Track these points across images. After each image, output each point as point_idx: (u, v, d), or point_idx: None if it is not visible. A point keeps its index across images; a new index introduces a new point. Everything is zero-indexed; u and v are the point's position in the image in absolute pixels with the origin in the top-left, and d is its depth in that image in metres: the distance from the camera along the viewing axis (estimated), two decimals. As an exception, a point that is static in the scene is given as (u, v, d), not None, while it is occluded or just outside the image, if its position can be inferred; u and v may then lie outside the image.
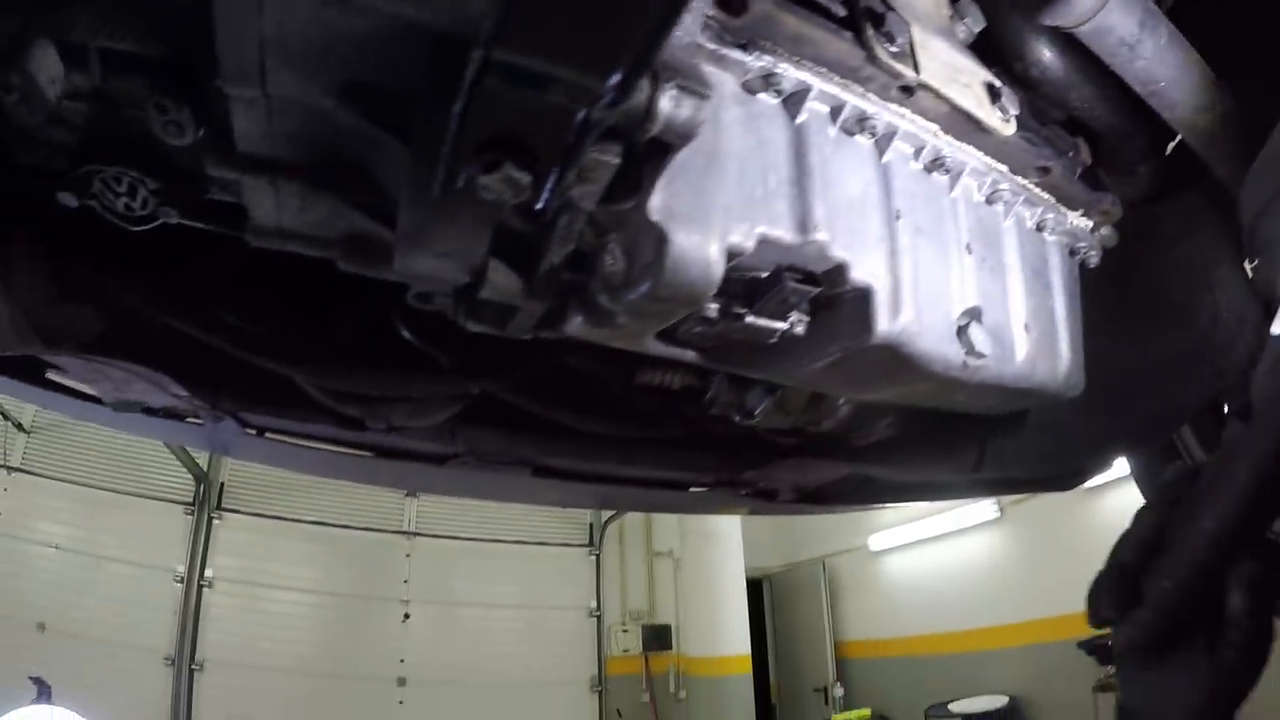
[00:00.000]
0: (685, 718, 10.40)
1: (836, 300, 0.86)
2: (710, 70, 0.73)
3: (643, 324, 0.77)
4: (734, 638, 10.03)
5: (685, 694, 10.54)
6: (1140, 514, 0.76)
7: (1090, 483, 2.07)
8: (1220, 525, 0.65)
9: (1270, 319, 1.15)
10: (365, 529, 9.85)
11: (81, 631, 7.64)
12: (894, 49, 0.83)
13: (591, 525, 11.41)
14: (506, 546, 10.62)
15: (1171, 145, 1.26)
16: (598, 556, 11.39)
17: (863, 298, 0.85)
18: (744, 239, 0.75)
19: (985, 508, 9.08)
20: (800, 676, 11.60)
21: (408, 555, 10.05)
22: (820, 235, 0.80)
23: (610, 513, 11.30)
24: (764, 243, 0.76)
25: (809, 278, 0.82)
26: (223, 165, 0.81)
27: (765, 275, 0.81)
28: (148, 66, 0.75)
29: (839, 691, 10.70)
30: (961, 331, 0.98)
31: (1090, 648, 7.23)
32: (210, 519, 9.05)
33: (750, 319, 0.81)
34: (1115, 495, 6.89)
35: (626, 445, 1.71)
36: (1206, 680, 0.67)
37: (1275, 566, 0.66)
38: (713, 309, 0.80)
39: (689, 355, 0.92)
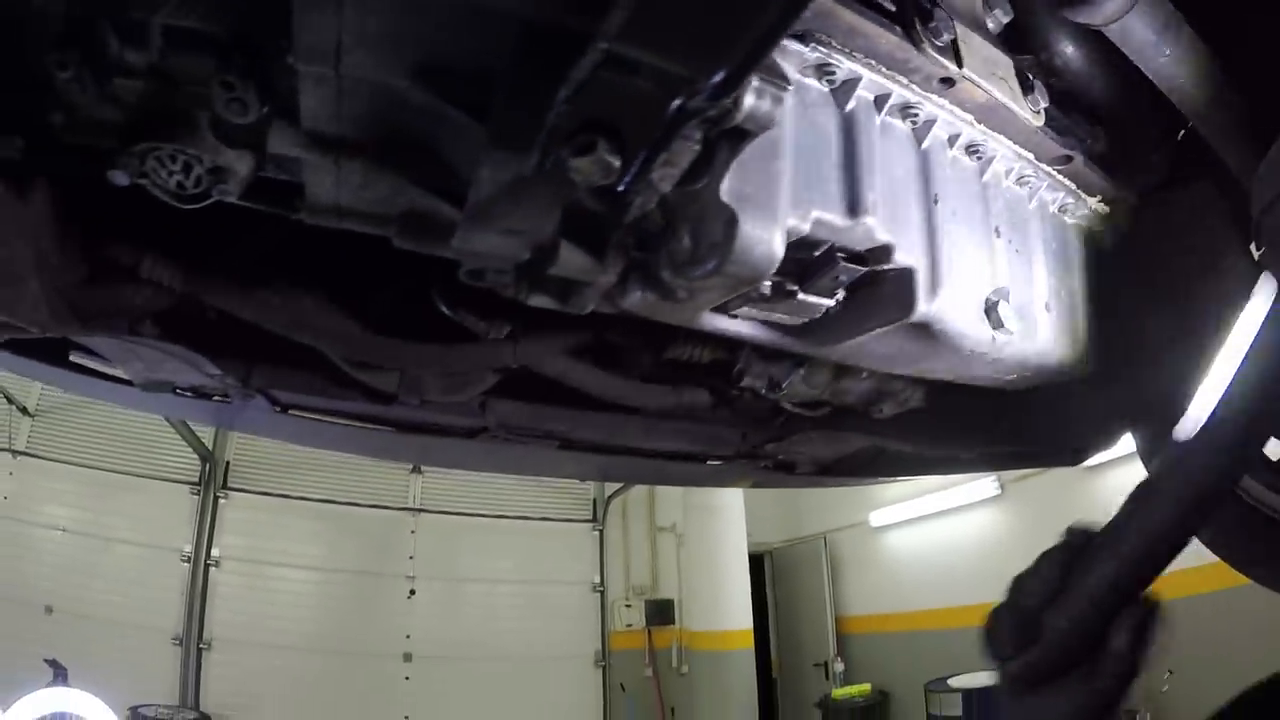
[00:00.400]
0: (688, 692, 10.43)
1: (879, 279, 0.90)
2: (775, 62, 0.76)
3: (702, 299, 0.81)
4: (736, 612, 10.07)
5: (688, 668, 10.57)
6: (1043, 558, 0.85)
7: (1089, 462, 2.11)
8: (1118, 576, 0.77)
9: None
10: (371, 506, 9.85)
11: (89, 613, 7.70)
12: (940, 43, 0.87)
13: (595, 500, 11.48)
14: (511, 522, 10.66)
15: (1182, 134, 1.29)
16: (601, 532, 11.46)
17: (905, 277, 0.89)
18: (801, 221, 0.79)
19: (986, 485, 9.08)
20: (801, 651, 11.62)
21: (413, 532, 10.07)
22: (869, 218, 0.84)
23: (614, 488, 11.32)
24: (818, 224, 0.80)
25: (857, 258, 0.86)
26: (286, 143, 0.82)
27: (817, 255, 0.84)
28: (213, 44, 0.77)
29: (839, 666, 10.70)
30: (991, 310, 1.02)
31: (1087, 625, 7.31)
32: (216, 498, 9.07)
33: (801, 296, 0.84)
34: (1114, 474, 6.92)
35: (652, 418, 1.74)
36: (1083, 705, 0.78)
37: (1153, 615, 0.77)
38: (767, 286, 0.83)
39: (737, 329, 0.95)
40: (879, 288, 0.90)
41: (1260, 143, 1.06)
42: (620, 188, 0.64)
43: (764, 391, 1.47)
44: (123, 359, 1.42)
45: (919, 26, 0.85)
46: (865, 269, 0.86)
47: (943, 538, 9.88)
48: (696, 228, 0.73)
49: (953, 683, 8.50)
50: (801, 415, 1.70)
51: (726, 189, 0.70)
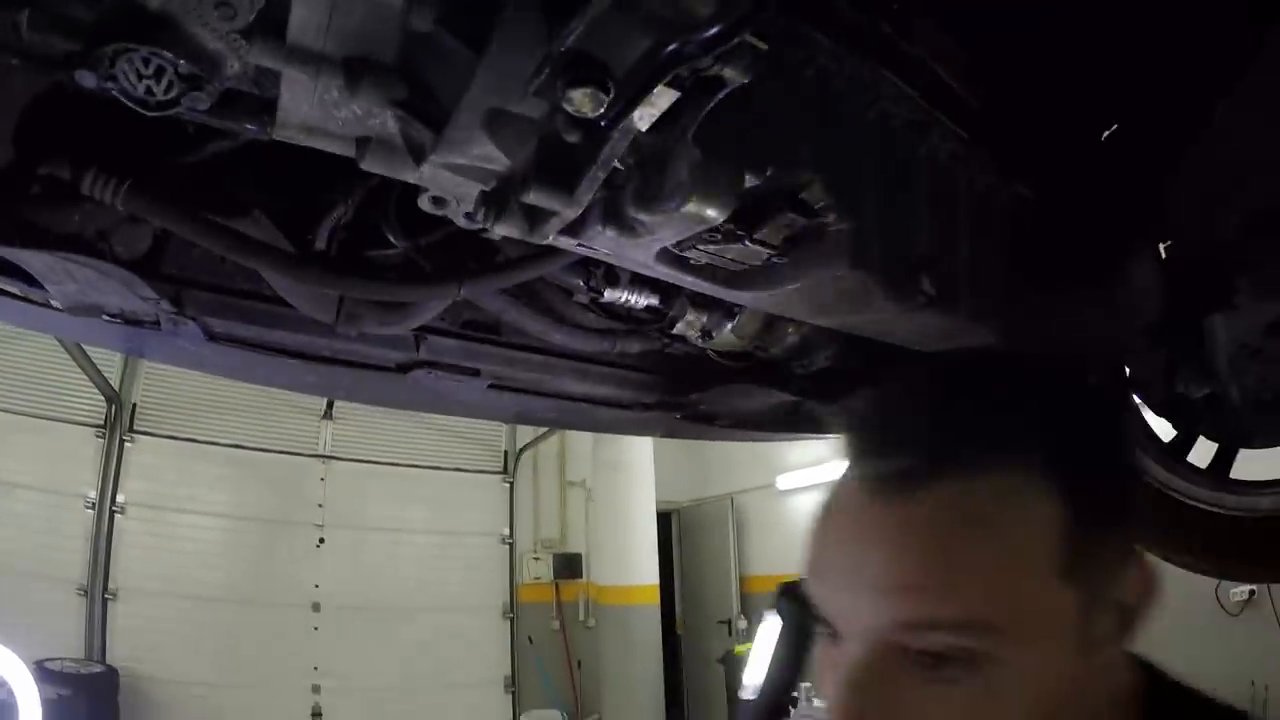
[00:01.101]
0: (594, 644, 10.59)
1: (821, 232, 0.96)
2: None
3: (660, 235, 0.86)
4: (643, 568, 10.22)
5: (595, 622, 10.72)
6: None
7: None
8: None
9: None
10: (281, 452, 9.64)
11: None
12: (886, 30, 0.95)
13: (506, 453, 11.45)
14: (421, 472, 10.58)
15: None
16: (511, 484, 11.43)
17: (843, 234, 0.96)
18: (758, 173, 0.84)
19: (890, 455, 9.38)
20: (705, 608, 11.83)
21: (322, 479, 9.89)
22: (816, 178, 0.90)
23: (525, 441, 11.37)
24: (772, 178, 0.86)
25: (804, 211, 0.92)
26: (266, 54, 0.82)
27: (768, 204, 0.90)
28: None
29: (742, 624, 10.95)
30: (915, 276, 1.09)
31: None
32: (122, 442, 8.70)
33: (748, 242, 0.91)
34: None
35: (583, 361, 1.79)
36: None
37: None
38: (720, 229, 0.89)
39: (680, 275, 1.01)
40: (820, 241, 0.97)
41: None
42: (603, 123, 0.69)
43: (695, 339, 1.53)
44: (57, 280, 1.39)
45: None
46: (809, 222, 0.92)
47: (846, 504, 10.16)
48: (664, 167, 0.78)
49: (848, 642, 8.74)
50: (726, 367, 1.77)
51: (697, 133, 0.75)
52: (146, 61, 0.85)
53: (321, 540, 9.53)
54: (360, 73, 0.81)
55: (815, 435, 2.46)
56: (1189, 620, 6.50)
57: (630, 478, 10.32)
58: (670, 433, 2.38)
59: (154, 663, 8.10)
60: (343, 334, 1.59)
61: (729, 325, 1.48)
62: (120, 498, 8.59)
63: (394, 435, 10.30)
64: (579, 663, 11.05)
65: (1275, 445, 1.94)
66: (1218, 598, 6.32)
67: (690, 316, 1.49)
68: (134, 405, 8.86)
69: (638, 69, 0.64)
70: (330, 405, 9.89)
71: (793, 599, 0.87)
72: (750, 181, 0.84)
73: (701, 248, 0.92)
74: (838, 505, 0.69)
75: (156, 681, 8.10)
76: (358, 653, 9.41)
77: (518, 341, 1.73)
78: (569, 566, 11.12)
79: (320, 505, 9.72)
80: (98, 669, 7.58)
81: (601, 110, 0.65)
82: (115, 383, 8.63)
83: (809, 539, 0.70)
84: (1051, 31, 1.13)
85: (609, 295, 1.49)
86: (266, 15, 0.78)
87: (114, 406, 8.68)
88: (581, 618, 11.13)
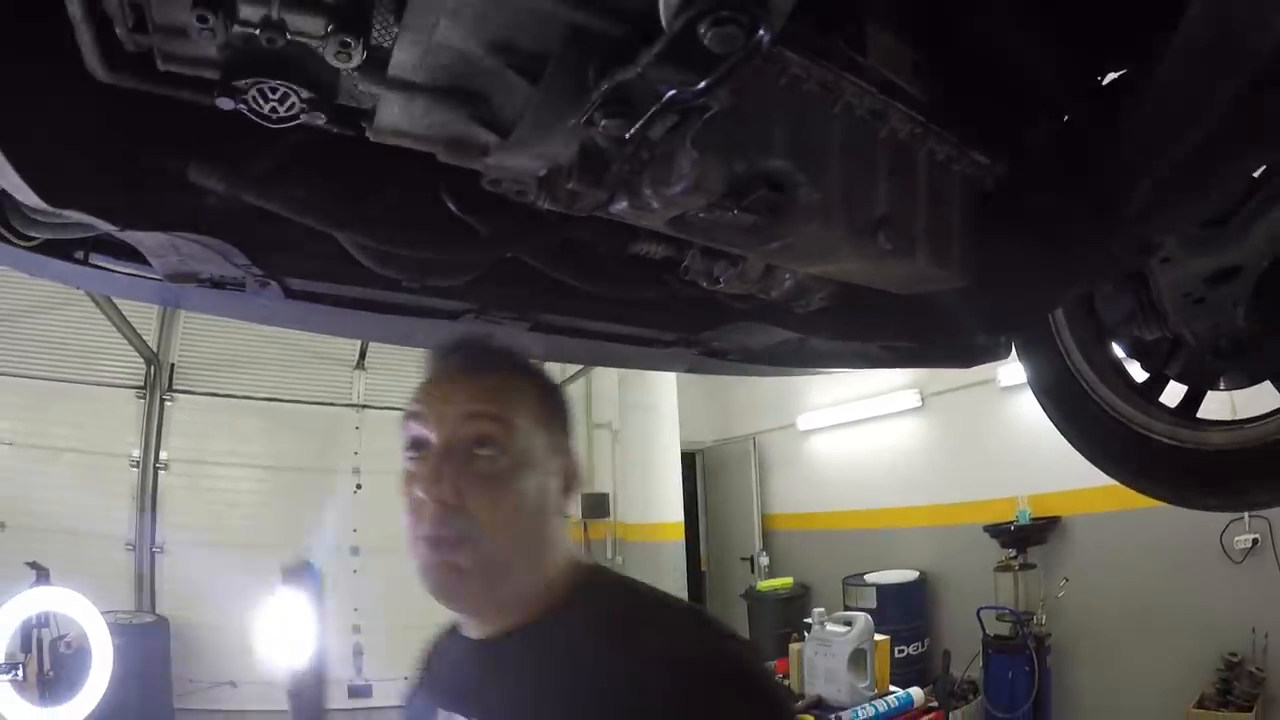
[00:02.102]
0: (621, 582, 10.90)
1: (794, 201, 1.24)
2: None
3: (668, 209, 1.14)
4: (668, 507, 10.54)
5: (622, 559, 10.98)
6: None
7: (1006, 382, 2.48)
8: None
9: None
10: (316, 403, 9.89)
11: (42, 526, 7.72)
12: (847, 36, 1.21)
13: (536, 396, 11.67)
14: (451, 416, 10.81)
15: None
16: (542, 427, 11.66)
17: (811, 200, 1.23)
18: (744, 163, 1.13)
19: (909, 396, 9.57)
20: (728, 546, 12.17)
21: (357, 427, 10.13)
22: (791, 163, 1.18)
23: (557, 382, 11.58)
24: (755, 165, 1.15)
25: (780, 188, 1.20)
26: (371, 83, 1.06)
27: (751, 183, 1.18)
28: (325, 6, 0.98)
29: (764, 560, 11.29)
30: (875, 231, 1.36)
31: (994, 531, 7.85)
32: (162, 401, 9.02)
33: (736, 212, 1.19)
34: (1027, 395, 7.38)
35: (611, 304, 2.04)
36: None
37: None
38: (715, 203, 1.17)
39: (688, 232, 1.29)
40: (793, 208, 1.24)
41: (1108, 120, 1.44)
42: (626, 136, 0.97)
43: (705, 285, 1.80)
44: (162, 254, 1.61)
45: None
46: (782, 196, 1.21)
47: (865, 444, 10.31)
48: (670, 161, 1.07)
49: (869, 578, 9.03)
50: (734, 307, 2.03)
51: (694, 139, 1.04)
52: (274, 90, 1.07)
53: (359, 486, 9.77)
54: (443, 95, 1.08)
55: (815, 370, 2.71)
56: (1194, 566, 6.78)
57: (655, 419, 10.61)
58: (689, 368, 2.60)
59: (201, 611, 8.35)
60: (407, 287, 1.81)
61: (733, 271, 1.74)
62: (163, 455, 8.91)
63: (424, 381, 10.50)
64: (605, 597, 11.34)
65: (1238, 388, 2.19)
66: (1222, 544, 6.49)
67: (700, 265, 1.75)
68: (172, 365, 9.14)
69: (648, 105, 0.92)
70: (363, 355, 10.16)
71: (305, 573, 1.16)
72: (736, 167, 1.12)
73: (703, 215, 1.20)
74: (438, 376, 1.30)
75: (205, 628, 8.39)
76: (397, 594, 9.44)
77: (553, 288, 1.94)
78: (597, 506, 11.27)
79: (356, 453, 9.95)
80: (149, 619, 7.89)
81: (626, 132, 0.94)
82: (153, 345, 8.89)
83: (417, 396, 1.29)
84: (986, 36, 1.37)
85: (632, 248, 1.75)
86: (374, 55, 1.02)
87: (153, 368, 8.96)
88: (610, 555, 11.34)
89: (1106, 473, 2.35)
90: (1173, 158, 1.36)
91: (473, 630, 1.29)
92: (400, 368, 10.28)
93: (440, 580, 1.19)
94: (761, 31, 0.78)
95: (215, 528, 8.84)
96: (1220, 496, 2.10)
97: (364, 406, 10.30)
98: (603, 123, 0.92)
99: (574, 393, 11.71)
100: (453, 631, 1.36)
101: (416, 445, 1.24)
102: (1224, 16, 1.10)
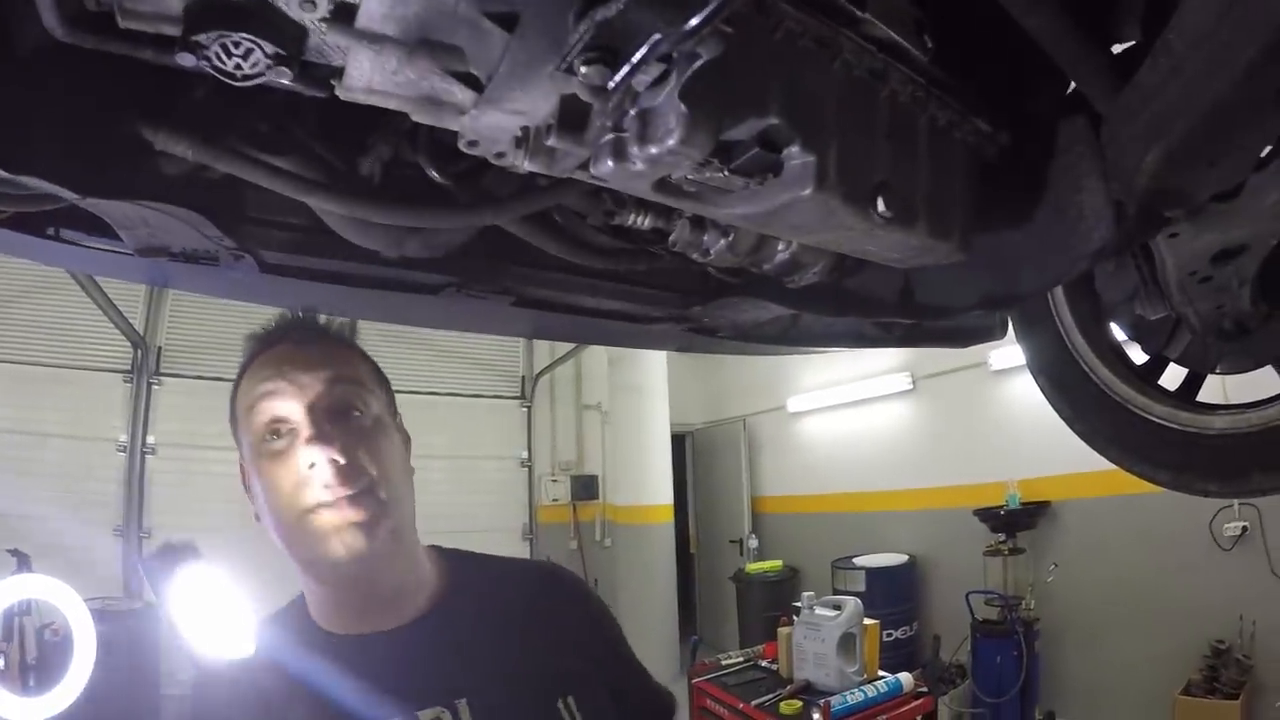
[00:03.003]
0: (611, 564, 10.95)
1: (788, 161, 1.17)
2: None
3: (654, 169, 1.07)
4: (658, 489, 10.56)
5: (611, 541, 11.12)
6: None
7: (998, 365, 2.46)
8: None
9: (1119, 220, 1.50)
10: None
11: (30, 511, 7.64)
12: None
13: (523, 378, 11.72)
14: (441, 399, 10.84)
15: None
16: (529, 409, 11.71)
17: (806, 162, 1.17)
18: (735, 120, 1.06)
19: (900, 379, 9.58)
20: (718, 528, 12.21)
21: None
22: (784, 120, 1.12)
23: (541, 366, 11.64)
24: (745, 123, 1.08)
25: (774, 147, 1.13)
26: (339, 35, 0.99)
27: (742, 143, 1.11)
28: None
29: (753, 543, 11.31)
30: (874, 197, 1.30)
31: (983, 515, 7.88)
32: (149, 385, 9.01)
33: (726, 173, 1.12)
34: (1018, 379, 7.41)
35: (597, 279, 2.00)
36: None
37: None
38: (705, 163, 1.10)
39: (675, 198, 1.23)
40: (788, 170, 1.18)
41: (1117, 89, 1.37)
42: (609, 86, 0.91)
43: (695, 257, 1.74)
44: (131, 225, 1.56)
45: None
46: (775, 156, 1.14)
47: (856, 426, 10.35)
48: (657, 117, 1.00)
49: (858, 561, 9.07)
50: (725, 281, 1.98)
51: (681, 92, 0.97)
52: (237, 44, 1.01)
53: None
54: (415, 48, 1.01)
55: (809, 349, 2.66)
56: (1183, 553, 6.82)
57: (645, 400, 10.60)
58: (678, 346, 2.57)
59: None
60: (385, 259, 1.77)
61: (723, 242, 1.68)
62: (150, 439, 8.90)
63: (414, 365, 10.50)
64: (596, 581, 11.29)
65: (1239, 371, 2.13)
66: (1211, 532, 6.54)
67: (690, 236, 1.69)
68: (159, 349, 9.13)
69: (634, 52, 0.85)
70: (352, 334, 10.06)
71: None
72: (726, 124, 1.05)
73: (691, 177, 1.13)
74: (283, 354, 1.33)
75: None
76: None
77: (537, 261, 1.91)
78: (586, 488, 11.47)
79: (347, 435, 9.87)
80: (138, 605, 7.71)
81: (608, 81, 0.87)
82: (140, 328, 8.88)
83: (263, 376, 1.30)
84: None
85: (617, 218, 1.69)
86: (340, 5, 0.95)
87: (140, 351, 8.95)
88: (599, 538, 11.49)
89: (1105, 456, 2.31)
90: (1185, 126, 1.29)
91: (368, 620, 1.30)
92: (391, 348, 10.24)
93: (353, 541, 1.20)
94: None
95: (203, 511, 8.53)
96: (1221, 481, 2.05)
97: (353, 387, 10.19)
98: (583, 70, 0.86)
99: (563, 374, 11.78)
100: (308, 640, 1.31)
101: (277, 424, 1.26)
102: None
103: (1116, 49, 1.48)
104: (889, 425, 9.99)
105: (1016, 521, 7.88)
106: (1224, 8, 1.09)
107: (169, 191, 1.43)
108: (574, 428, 12.11)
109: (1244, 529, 6.44)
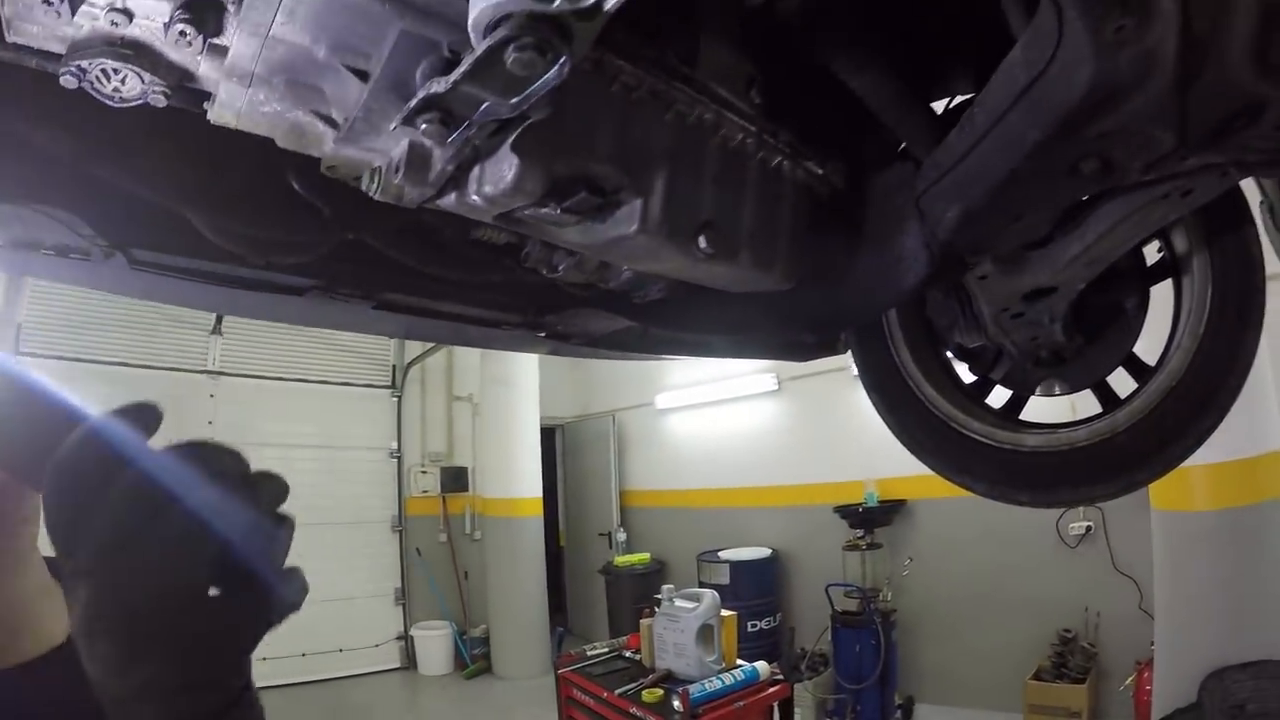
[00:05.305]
0: (480, 556, 11.00)
1: (615, 205, 1.32)
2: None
3: (493, 206, 1.21)
4: (527, 482, 10.62)
5: (481, 534, 11.15)
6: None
7: (854, 369, 2.65)
8: None
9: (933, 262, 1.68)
10: (168, 369, 9.61)
11: None
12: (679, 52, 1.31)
13: (394, 367, 11.66)
14: (311, 386, 10.72)
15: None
16: (399, 399, 11.64)
17: (633, 204, 1.32)
18: (566, 167, 1.20)
19: (766, 379, 9.93)
20: (587, 521, 12.38)
21: (212, 396, 9.93)
22: (611, 166, 1.26)
23: (413, 355, 11.61)
24: (576, 168, 1.22)
25: (600, 190, 1.28)
26: (211, 70, 1.08)
27: (572, 186, 1.25)
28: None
29: (622, 536, 11.55)
30: (697, 233, 1.45)
31: (843, 512, 8.25)
32: None
33: (559, 211, 1.26)
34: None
35: (456, 286, 2.08)
36: None
37: None
38: (539, 202, 1.24)
39: (519, 227, 1.36)
40: (615, 211, 1.32)
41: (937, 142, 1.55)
42: (449, 139, 1.04)
43: (545, 272, 1.87)
44: (4, 222, 1.58)
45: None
46: (602, 200, 1.29)
47: (723, 425, 10.65)
48: (494, 165, 1.14)
49: (723, 555, 9.31)
50: (575, 295, 2.11)
51: (512, 142, 1.10)
52: (117, 71, 1.07)
53: None
54: (281, 87, 1.12)
55: (652, 356, 2.81)
56: (1032, 550, 7.26)
57: (516, 393, 10.63)
58: (551, 350, 2.66)
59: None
60: (252, 263, 1.82)
61: (571, 261, 1.81)
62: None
63: (284, 350, 10.35)
64: (466, 573, 11.41)
65: (1059, 394, 2.36)
66: (1058, 530, 7.03)
67: (540, 253, 1.81)
68: (19, 326, 8.66)
69: (467, 114, 0.98)
70: (219, 320, 9.85)
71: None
72: (557, 170, 1.19)
73: (528, 213, 1.27)
74: None
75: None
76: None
77: (401, 267, 1.97)
78: (456, 480, 11.46)
79: (210, 422, 9.71)
80: None
81: (445, 139, 1.01)
82: (0, 303, 8.43)
83: None
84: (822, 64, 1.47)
85: (475, 233, 1.80)
86: (214, 45, 1.04)
87: (-2, 328, 8.43)
88: (468, 530, 11.51)
89: (929, 466, 2.47)
90: (983, 190, 1.47)
91: None
92: (258, 334, 10.09)
93: None
94: (563, 59, 0.86)
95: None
96: (1032, 493, 2.22)
97: (219, 374, 10.08)
98: (423, 126, 0.99)
99: (435, 364, 11.73)
100: None
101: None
102: (1036, 62, 1.19)
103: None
104: (755, 424, 10.31)
105: (874, 518, 8.29)
106: (1017, 93, 1.26)
107: (45, 191, 1.48)
108: (444, 419, 12.10)
109: (1088, 528, 6.95)
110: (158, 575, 0.68)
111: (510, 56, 0.84)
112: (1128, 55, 1.08)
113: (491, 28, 0.83)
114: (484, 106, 0.96)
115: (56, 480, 0.73)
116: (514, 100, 0.93)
